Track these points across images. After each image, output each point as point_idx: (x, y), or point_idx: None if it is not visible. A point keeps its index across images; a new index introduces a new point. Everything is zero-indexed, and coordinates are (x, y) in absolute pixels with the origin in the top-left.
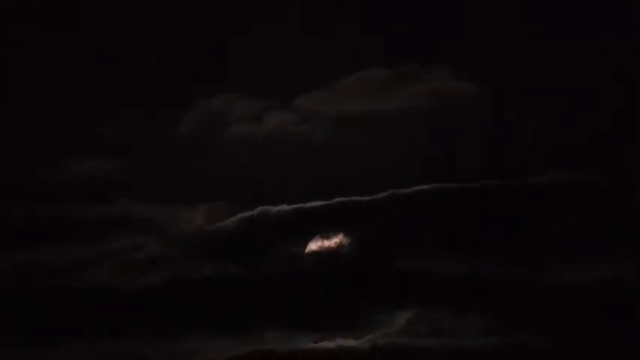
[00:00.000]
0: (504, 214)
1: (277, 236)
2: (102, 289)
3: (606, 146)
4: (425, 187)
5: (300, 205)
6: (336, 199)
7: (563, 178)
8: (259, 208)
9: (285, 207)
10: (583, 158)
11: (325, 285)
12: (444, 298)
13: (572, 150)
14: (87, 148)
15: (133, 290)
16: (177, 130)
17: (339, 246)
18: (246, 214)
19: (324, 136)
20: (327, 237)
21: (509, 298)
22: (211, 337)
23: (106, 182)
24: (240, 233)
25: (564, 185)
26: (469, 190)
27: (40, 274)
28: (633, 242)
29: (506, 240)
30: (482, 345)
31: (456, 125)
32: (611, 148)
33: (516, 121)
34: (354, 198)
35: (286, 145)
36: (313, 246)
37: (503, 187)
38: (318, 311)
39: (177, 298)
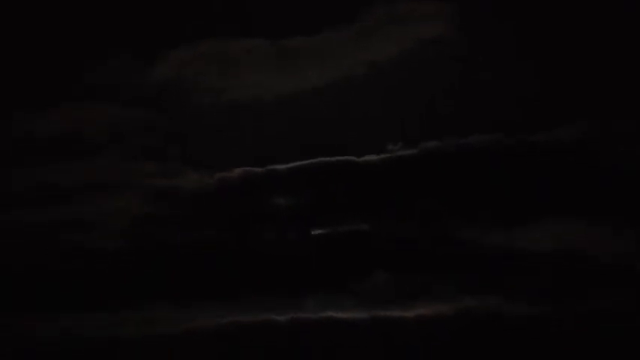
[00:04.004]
0: (484, 175)
1: (254, 198)
2: (75, 252)
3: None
4: (408, 152)
5: (275, 166)
6: (317, 159)
7: (548, 137)
8: (239, 169)
9: (258, 169)
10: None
11: (301, 249)
12: (418, 263)
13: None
14: (69, 94)
15: (107, 254)
16: (158, 77)
17: (317, 208)
18: (225, 174)
19: (310, 87)
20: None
21: (485, 263)
22: (180, 304)
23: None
24: (219, 195)
25: (547, 145)
26: (448, 152)
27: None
28: (610, 206)
29: (485, 203)
30: (455, 311)
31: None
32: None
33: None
34: (335, 158)
35: (269, 97)
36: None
37: (484, 148)
38: (291, 277)
39: (150, 262)
